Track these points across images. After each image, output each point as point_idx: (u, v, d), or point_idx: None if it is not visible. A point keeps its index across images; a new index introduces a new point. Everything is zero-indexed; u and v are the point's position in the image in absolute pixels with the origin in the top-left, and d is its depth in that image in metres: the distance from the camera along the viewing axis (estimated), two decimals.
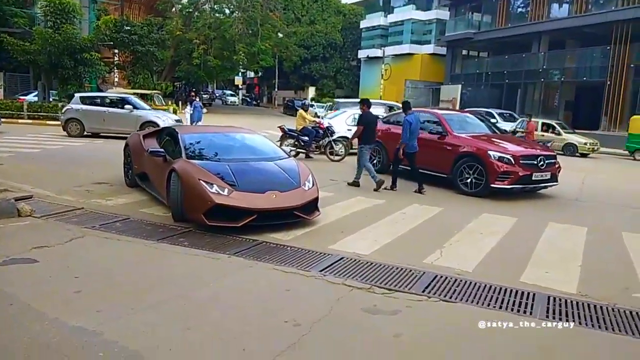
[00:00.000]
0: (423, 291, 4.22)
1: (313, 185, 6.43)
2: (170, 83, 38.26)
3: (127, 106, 16.02)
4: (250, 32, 36.01)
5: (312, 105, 37.75)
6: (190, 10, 37.17)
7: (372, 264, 4.84)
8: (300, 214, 6.05)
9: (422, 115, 10.93)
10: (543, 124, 20.54)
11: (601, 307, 4.05)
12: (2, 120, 16.92)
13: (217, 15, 37.54)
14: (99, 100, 16.80)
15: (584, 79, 28.24)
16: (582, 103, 29.76)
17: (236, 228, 5.59)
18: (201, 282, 4.23)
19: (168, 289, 4.02)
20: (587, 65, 28.08)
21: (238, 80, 55.75)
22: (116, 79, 30.27)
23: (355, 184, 9.19)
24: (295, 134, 13.14)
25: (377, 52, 41.82)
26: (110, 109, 16.17)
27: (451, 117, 10.65)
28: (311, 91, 49.88)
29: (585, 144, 19.39)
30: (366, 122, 9.15)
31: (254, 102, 57.69)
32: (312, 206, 6.30)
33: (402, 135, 8.99)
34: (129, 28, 26.65)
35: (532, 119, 18.57)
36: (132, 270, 4.51)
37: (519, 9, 32.65)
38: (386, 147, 11.12)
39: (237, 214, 5.66)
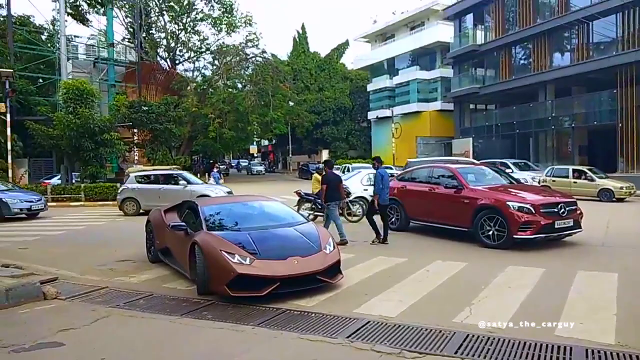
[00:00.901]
0: (455, 352, 4.08)
1: (334, 248, 6.42)
2: (188, 157, 39.28)
3: (181, 182, 16.52)
4: (262, 103, 37.29)
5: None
6: (205, 87, 38.83)
7: (399, 326, 4.73)
8: (324, 278, 6.00)
9: (436, 170, 11.07)
10: (574, 170, 20.23)
11: (637, 357, 3.87)
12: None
13: (230, 90, 39.11)
14: (152, 178, 17.25)
15: (595, 123, 28.30)
16: (596, 147, 29.65)
17: (260, 297, 5.54)
18: (226, 357, 4.16)
19: None
20: (596, 110, 28.21)
21: (253, 149, 57.27)
22: (136, 157, 31.24)
23: (342, 242, 9.27)
24: (312, 198, 13.25)
25: (386, 112, 42.77)
26: (165, 186, 16.57)
27: (465, 170, 10.70)
28: (324, 154, 50.60)
29: (622, 188, 18.78)
30: (327, 181, 9.87)
31: (270, 169, 58.79)
32: (334, 269, 6.25)
33: (375, 188, 9.65)
34: (146, 108, 27.84)
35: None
36: (158, 347, 4.46)
37: (522, 61, 33.45)
38: (403, 204, 11.14)
39: (260, 282, 5.61)
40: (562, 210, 8.67)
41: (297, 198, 13.76)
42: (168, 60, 41.30)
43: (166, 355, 4.25)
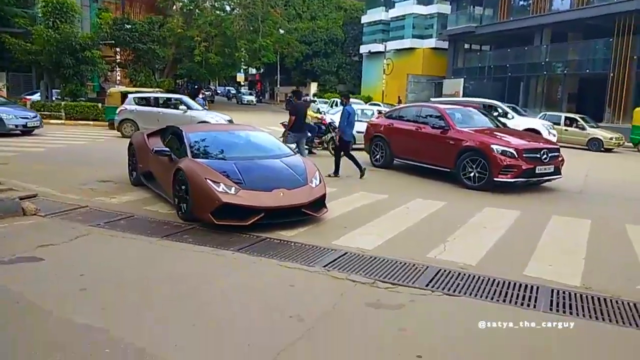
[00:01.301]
0: (427, 285, 4.23)
1: (320, 182, 6.42)
2: (172, 80, 38.18)
3: (181, 107, 16.12)
4: (251, 28, 35.97)
5: (314, 101, 37.84)
6: (191, 7, 37.11)
7: (375, 258, 4.85)
8: (308, 212, 6.04)
9: (424, 109, 10.98)
10: (566, 118, 20.26)
11: (605, 300, 4.06)
12: None
13: (217, 12, 37.46)
14: (152, 101, 16.81)
15: (587, 71, 28.10)
16: (585, 95, 29.62)
17: (244, 227, 5.59)
18: (206, 279, 4.25)
19: (173, 287, 4.04)
20: (590, 58, 27.93)
21: (240, 77, 55.91)
22: (118, 77, 30.31)
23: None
24: None
25: (379, 47, 41.76)
26: (165, 110, 16.12)
27: (453, 111, 10.63)
28: (313, 87, 49.85)
29: (611, 138, 18.99)
30: (295, 112, 10.16)
31: (257, 99, 57.64)
32: (319, 203, 6.29)
33: (340, 123, 9.77)
34: (129, 26, 26.66)
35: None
36: (137, 267, 4.53)
37: (521, 2, 32.50)
38: (389, 142, 11.13)
39: (245, 212, 5.63)
40: (545, 156, 8.77)
41: (283, 129, 13.63)
42: None
43: (145, 276, 4.32)
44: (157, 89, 21.99)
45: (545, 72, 30.14)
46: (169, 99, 17.24)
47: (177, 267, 4.54)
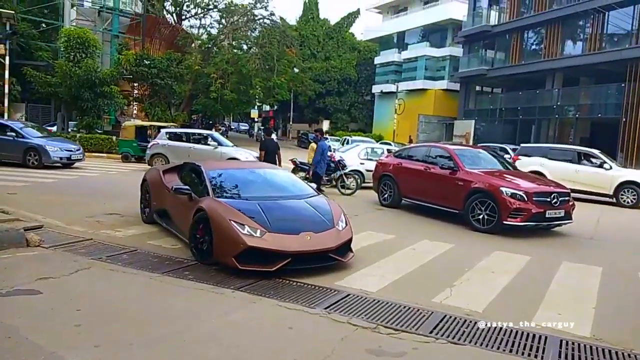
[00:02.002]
0: (431, 332, 4.08)
1: (346, 224, 6.14)
2: (187, 115, 38.87)
3: (211, 142, 16.33)
4: (267, 67, 36.73)
5: (326, 138, 38.19)
6: (209, 45, 38.13)
7: (379, 302, 4.73)
8: (336, 257, 5.73)
9: (433, 150, 10.97)
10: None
11: (616, 353, 3.88)
12: None
13: (235, 50, 38.44)
14: (183, 137, 17.08)
15: (599, 115, 28.08)
16: (597, 139, 29.44)
17: (270, 272, 5.29)
18: (203, 318, 4.15)
19: (168, 325, 3.95)
20: (602, 102, 27.94)
21: (254, 113, 56.59)
22: (134, 111, 30.90)
23: None
24: (307, 167, 13.17)
25: (391, 87, 42.30)
26: (196, 145, 16.38)
27: (463, 152, 10.59)
28: (325, 124, 50.31)
29: None
30: (264, 147, 11.04)
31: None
32: (346, 247, 5.99)
33: (314, 158, 10.26)
34: (148, 62, 27.38)
35: None
36: (134, 304, 4.46)
37: (533, 46, 32.92)
38: (397, 181, 11.08)
39: (270, 257, 5.34)
40: (555, 200, 8.63)
41: (292, 166, 13.68)
42: (174, 14, 40.35)
43: (141, 313, 4.24)
44: (172, 124, 22.34)
45: (556, 116, 30.16)
46: (200, 134, 17.50)
47: (175, 304, 4.46)
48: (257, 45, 36.70)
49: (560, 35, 29.75)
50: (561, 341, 4.05)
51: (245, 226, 5.41)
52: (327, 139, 29.91)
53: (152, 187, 7.69)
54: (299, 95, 46.68)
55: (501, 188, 8.61)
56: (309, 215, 6.04)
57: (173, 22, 39.46)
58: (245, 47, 40.30)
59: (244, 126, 65.59)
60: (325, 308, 4.46)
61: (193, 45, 38.08)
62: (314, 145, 13.85)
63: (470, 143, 28.90)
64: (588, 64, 27.86)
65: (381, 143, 28.59)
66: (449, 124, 37.57)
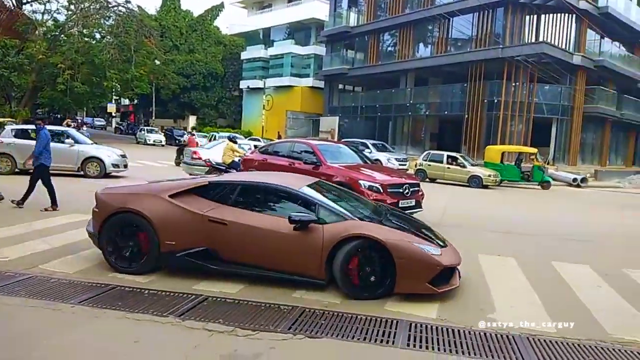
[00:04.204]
0: (289, 329, 4.04)
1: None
2: (30, 109, 34.61)
3: (67, 140, 14.21)
4: (123, 58, 34.19)
5: (192, 135, 36.78)
6: (56, 33, 34.34)
7: (239, 303, 4.58)
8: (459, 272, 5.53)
9: (297, 145, 11.11)
10: (448, 156, 21.06)
11: (459, 331, 4.20)
12: None
13: (86, 39, 35.12)
14: (32, 134, 14.54)
15: (446, 112, 31.07)
16: (445, 135, 32.71)
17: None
18: (34, 341, 3.61)
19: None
20: (448, 101, 30.96)
21: (111, 108, 52.42)
22: None
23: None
24: (223, 168, 12.48)
25: (259, 83, 42.24)
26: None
27: (325, 147, 10.88)
28: (192, 120, 48.63)
29: (489, 175, 19.94)
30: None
31: (130, 131, 54.36)
32: None
33: (36, 148, 8.96)
34: None
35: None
36: None
37: (389, 48, 35.25)
38: None
39: (447, 274, 5.08)
40: (407, 190, 9.26)
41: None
42: None
43: None
44: (9, 119, 19.67)
45: (410, 113, 32.73)
46: (51, 131, 15.43)
47: (5, 328, 3.82)
48: (112, 34, 34.02)
49: (412, 38, 32.27)
50: (410, 324, 4.28)
51: (425, 245, 5.02)
52: (193, 134, 28.76)
53: (164, 221, 5.25)
54: (161, 89, 44.34)
55: (360, 181, 8.99)
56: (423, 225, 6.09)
57: (12, 6, 34.75)
58: (98, 35, 37.11)
59: (99, 121, 60.47)
60: (179, 315, 4.18)
61: (37, 32, 33.99)
62: (232, 145, 13.24)
63: (336, 139, 30.05)
64: (436, 65, 30.65)
65: (250, 139, 28.38)
66: (315, 120, 38.67)
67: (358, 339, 3.92)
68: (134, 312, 4.21)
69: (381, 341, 3.91)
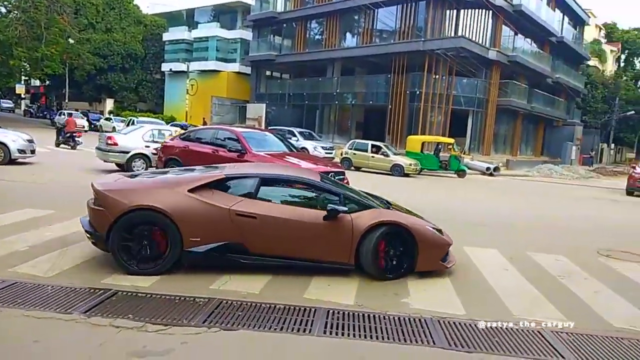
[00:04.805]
0: (204, 322, 3.92)
1: None
2: None
3: None
4: (33, 35, 31.58)
5: (109, 119, 34.85)
6: None
7: (151, 297, 4.38)
8: None
9: (221, 132, 10.87)
10: (372, 145, 21.66)
11: (374, 316, 4.30)
12: None
13: None
14: None
15: (371, 103, 31.75)
16: (371, 124, 33.43)
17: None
18: None
19: None
20: (373, 91, 31.63)
21: (20, 89, 48.33)
22: None
23: None
24: None
25: (182, 67, 40.75)
26: None
27: (250, 135, 10.72)
28: (109, 103, 46.04)
29: (410, 164, 20.64)
30: None
31: (41, 115, 50.38)
32: None
33: None
34: None
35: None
36: None
37: (316, 36, 35.31)
38: (184, 165, 10.62)
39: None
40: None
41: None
42: None
43: None
44: None
45: (337, 102, 33.09)
46: None
47: None
48: (19, 9, 31.29)
49: (338, 27, 32.54)
50: (328, 312, 4.32)
51: (433, 228, 5.74)
52: (110, 119, 27.29)
53: (188, 217, 5.04)
54: (75, 69, 41.43)
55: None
56: None
57: None
58: (3, 10, 34.01)
59: (6, 103, 55.47)
60: (85, 312, 3.92)
61: None
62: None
63: (263, 126, 29.76)
64: (362, 55, 31.15)
65: (172, 125, 27.40)
66: (242, 106, 38.02)
67: (275, 329, 3.90)
68: (34, 309, 3.90)
69: (298, 330, 3.91)
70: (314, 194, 5.65)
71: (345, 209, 5.33)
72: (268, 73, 39.57)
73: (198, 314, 4.07)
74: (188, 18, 44.95)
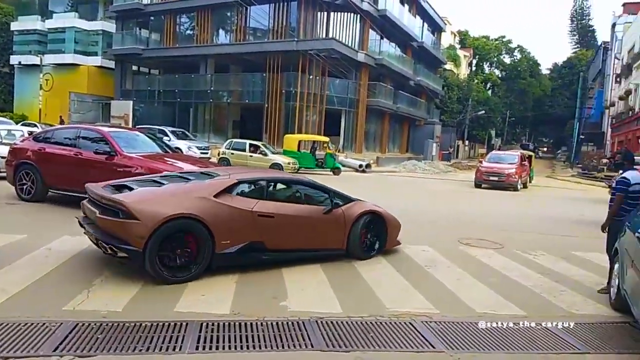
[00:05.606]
0: (55, 350, 3.43)
1: None
2: None
3: None
4: None
5: None
6: None
7: None
8: None
9: (84, 132, 9.75)
10: (251, 145, 21.57)
11: (251, 324, 4.13)
12: None
13: None
14: None
15: (247, 101, 31.42)
16: (247, 123, 33.08)
17: None
18: None
19: None
20: (249, 89, 31.33)
21: None
22: None
23: None
24: None
25: (34, 60, 36.38)
26: None
27: (119, 135, 9.75)
28: None
29: (289, 163, 20.73)
30: None
31: None
32: None
33: None
34: None
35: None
36: None
37: (187, 31, 33.96)
38: (40, 170, 9.40)
39: None
40: None
41: None
42: None
43: None
44: None
45: (211, 100, 32.19)
46: None
47: None
48: None
49: (211, 23, 31.65)
50: (201, 324, 4.05)
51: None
52: None
53: (219, 221, 5.27)
54: None
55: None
56: None
57: None
58: None
59: None
60: None
61: None
62: None
63: (130, 125, 27.82)
64: (236, 53, 30.65)
65: (23, 124, 24.44)
66: (105, 104, 35.17)
67: (140, 350, 3.53)
68: None
69: (167, 349, 3.59)
70: (310, 192, 6.49)
71: (341, 202, 6.39)
72: (135, 68, 37.13)
73: (48, 341, 3.55)
74: (41, 6, 40.36)
